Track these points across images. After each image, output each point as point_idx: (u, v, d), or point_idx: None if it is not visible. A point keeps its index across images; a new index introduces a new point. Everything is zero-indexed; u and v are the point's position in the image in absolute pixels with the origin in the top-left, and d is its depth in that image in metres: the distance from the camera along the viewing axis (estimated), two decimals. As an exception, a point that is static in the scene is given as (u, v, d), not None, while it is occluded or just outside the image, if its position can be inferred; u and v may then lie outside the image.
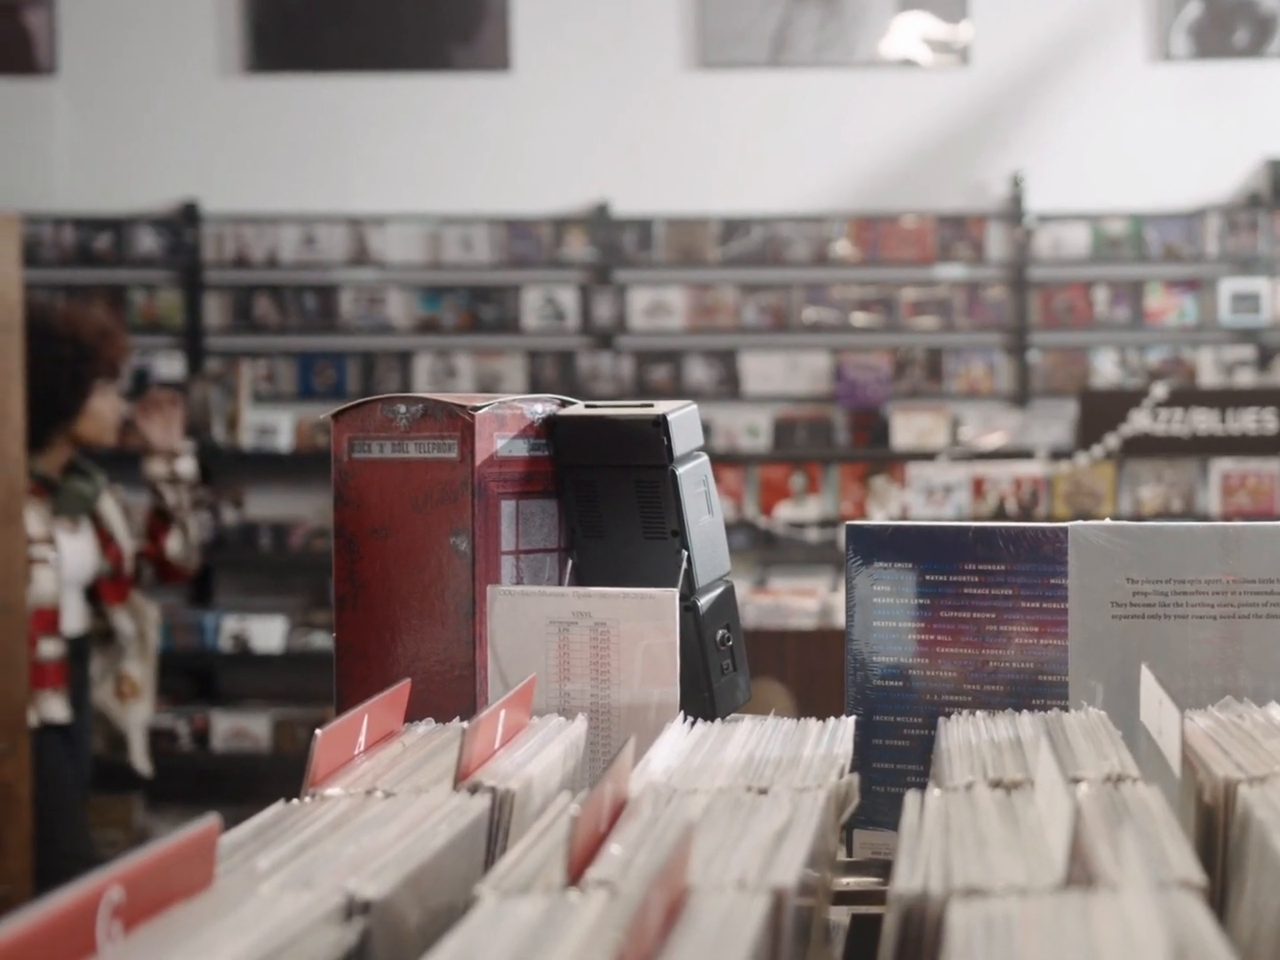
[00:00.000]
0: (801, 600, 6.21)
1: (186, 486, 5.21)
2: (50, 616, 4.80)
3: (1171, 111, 8.15)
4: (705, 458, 1.99)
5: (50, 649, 4.79)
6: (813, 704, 5.81)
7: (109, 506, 5.07)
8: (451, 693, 1.90)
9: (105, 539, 5.01)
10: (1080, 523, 1.82)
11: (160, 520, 5.18)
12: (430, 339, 8.26)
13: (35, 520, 4.82)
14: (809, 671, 5.85)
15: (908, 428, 8.06)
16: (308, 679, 7.49)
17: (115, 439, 5.26)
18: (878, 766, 1.88)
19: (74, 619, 4.95)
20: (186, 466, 5.22)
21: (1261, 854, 1.18)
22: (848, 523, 1.89)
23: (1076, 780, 1.35)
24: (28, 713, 4.71)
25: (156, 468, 5.18)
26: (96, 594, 5.03)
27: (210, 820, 1.06)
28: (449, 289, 8.25)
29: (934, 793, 1.33)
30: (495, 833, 1.38)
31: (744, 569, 7.50)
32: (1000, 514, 6.63)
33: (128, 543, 5.10)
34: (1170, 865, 1.10)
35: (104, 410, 5.02)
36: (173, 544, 5.18)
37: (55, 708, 4.79)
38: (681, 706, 1.77)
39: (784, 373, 8.19)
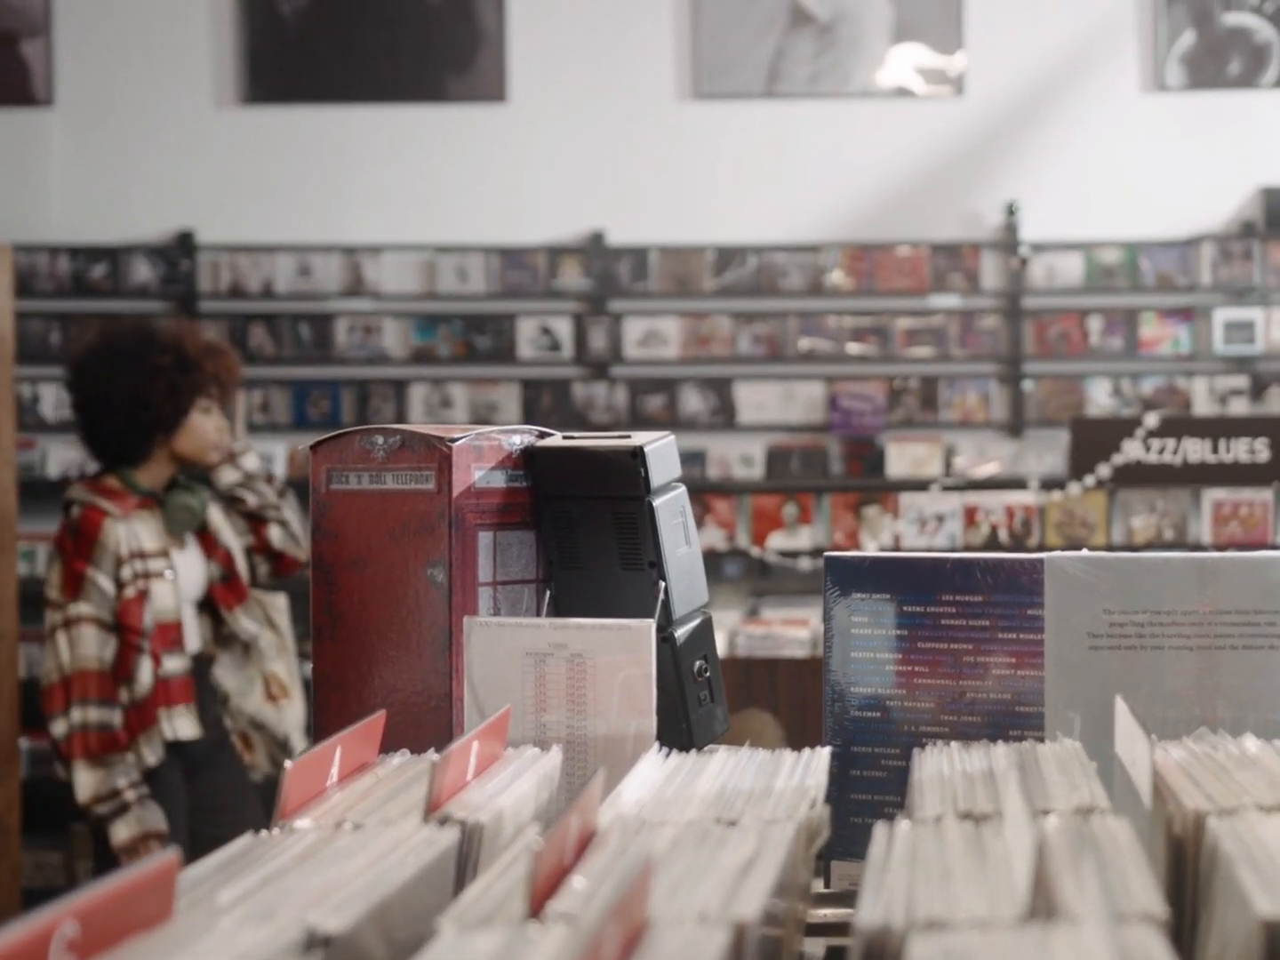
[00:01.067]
0: (793, 630, 6.20)
1: (261, 480, 5.03)
2: (173, 631, 4.64)
3: (1166, 141, 8.16)
4: (683, 489, 1.99)
5: (174, 665, 4.62)
6: (804, 734, 5.81)
7: (213, 513, 4.88)
8: (428, 724, 1.90)
9: (210, 544, 4.83)
10: (1057, 554, 1.82)
11: (255, 520, 4.99)
12: (425, 369, 8.26)
13: (148, 535, 4.63)
14: (801, 701, 5.85)
15: (902, 457, 8.06)
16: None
17: (217, 459, 4.92)
18: (855, 797, 1.88)
19: (191, 638, 4.75)
20: (251, 462, 5.04)
21: (1228, 887, 1.18)
22: (826, 554, 1.89)
23: (1046, 812, 1.35)
24: (161, 727, 4.58)
25: (227, 475, 4.97)
26: (213, 604, 4.82)
27: (170, 853, 1.06)
28: (444, 319, 8.25)
29: (903, 824, 1.33)
30: (465, 865, 1.38)
31: (736, 599, 7.50)
32: (993, 543, 6.63)
33: (234, 542, 4.92)
34: (1132, 897, 1.10)
35: (205, 428, 4.77)
36: (274, 535, 4.99)
37: (185, 725, 4.62)
38: (659, 737, 1.77)
39: (778, 402, 8.19)
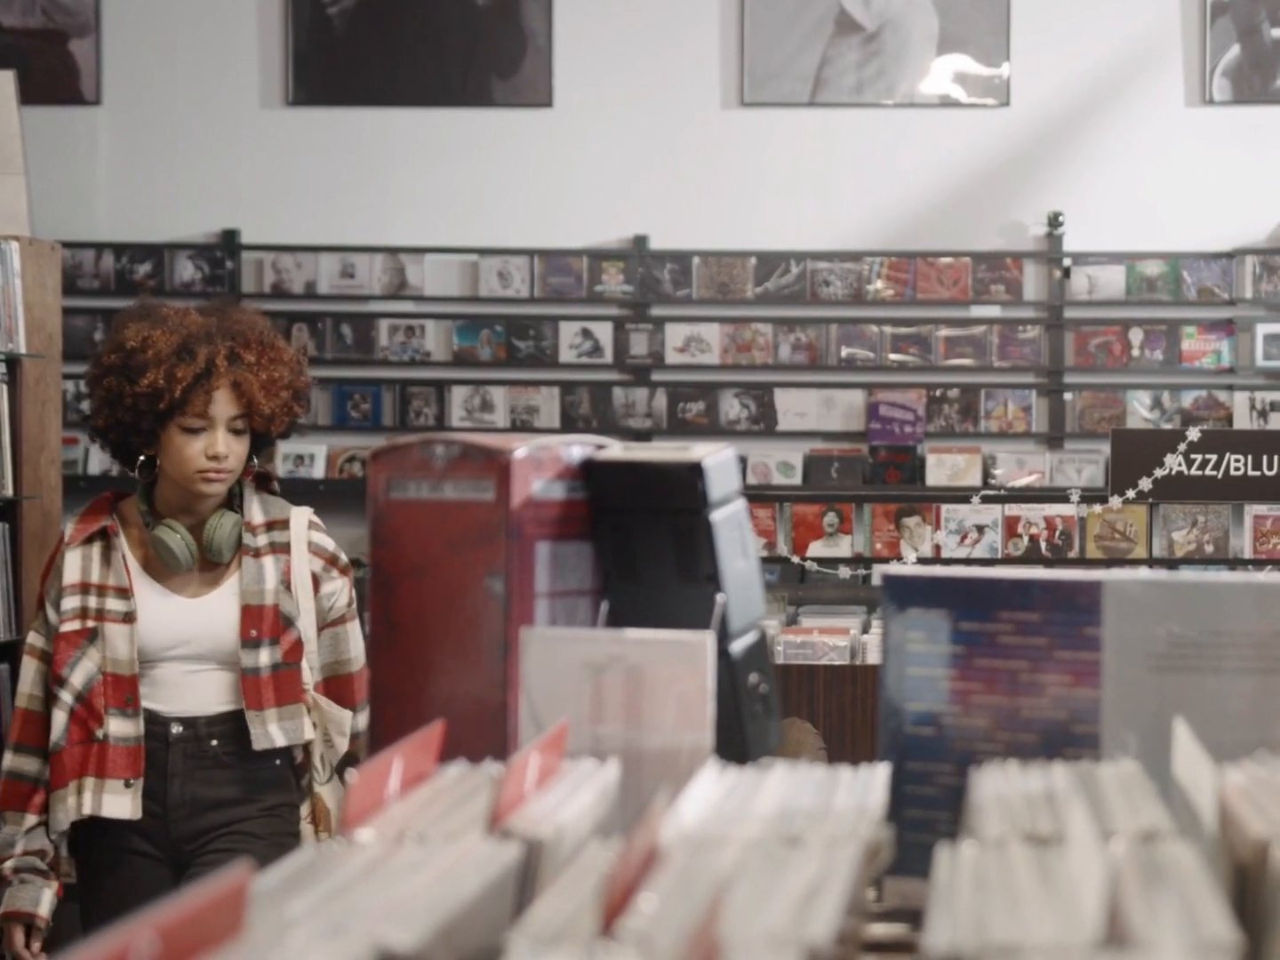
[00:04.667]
0: (833, 639, 6.19)
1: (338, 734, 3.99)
2: (126, 686, 3.77)
3: (1209, 154, 8.14)
4: (743, 502, 1.99)
5: (121, 728, 3.73)
6: (842, 742, 5.82)
7: (298, 568, 3.92)
8: (484, 735, 1.90)
9: (265, 618, 3.85)
10: (1116, 574, 1.81)
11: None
12: (466, 371, 8.28)
13: (117, 565, 3.82)
14: (839, 710, 5.84)
15: (941, 467, 8.05)
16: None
17: (206, 491, 3.82)
18: (909, 814, 1.87)
19: (173, 698, 3.80)
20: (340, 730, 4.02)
21: (1294, 915, 1.17)
22: (883, 572, 1.89)
23: (1110, 835, 1.35)
24: (77, 800, 3.71)
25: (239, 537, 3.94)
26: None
27: (242, 869, 1.06)
28: (486, 321, 8.27)
29: (966, 846, 1.33)
30: (526, 879, 1.38)
31: (775, 606, 7.49)
32: (1033, 555, 6.61)
33: (310, 619, 3.92)
34: (1205, 925, 1.10)
35: (187, 450, 3.73)
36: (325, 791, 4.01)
37: (116, 804, 3.71)
38: (714, 751, 1.77)
39: (818, 410, 8.19)
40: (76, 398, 7.91)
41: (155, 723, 3.78)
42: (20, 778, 3.79)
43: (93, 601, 3.79)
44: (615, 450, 2.01)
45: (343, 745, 3.90)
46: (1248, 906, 1.30)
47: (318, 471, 8.12)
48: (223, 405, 3.76)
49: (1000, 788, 1.54)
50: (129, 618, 3.77)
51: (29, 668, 3.84)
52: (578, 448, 2.00)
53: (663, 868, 1.27)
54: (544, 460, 1.95)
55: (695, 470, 1.92)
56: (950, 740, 1.87)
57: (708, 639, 1.79)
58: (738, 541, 1.97)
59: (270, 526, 3.89)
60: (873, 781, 1.61)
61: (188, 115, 8.32)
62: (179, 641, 3.80)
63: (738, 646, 1.97)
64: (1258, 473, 6.37)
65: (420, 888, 1.22)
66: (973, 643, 1.85)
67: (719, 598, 1.94)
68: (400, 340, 8.26)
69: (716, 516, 1.95)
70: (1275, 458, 6.36)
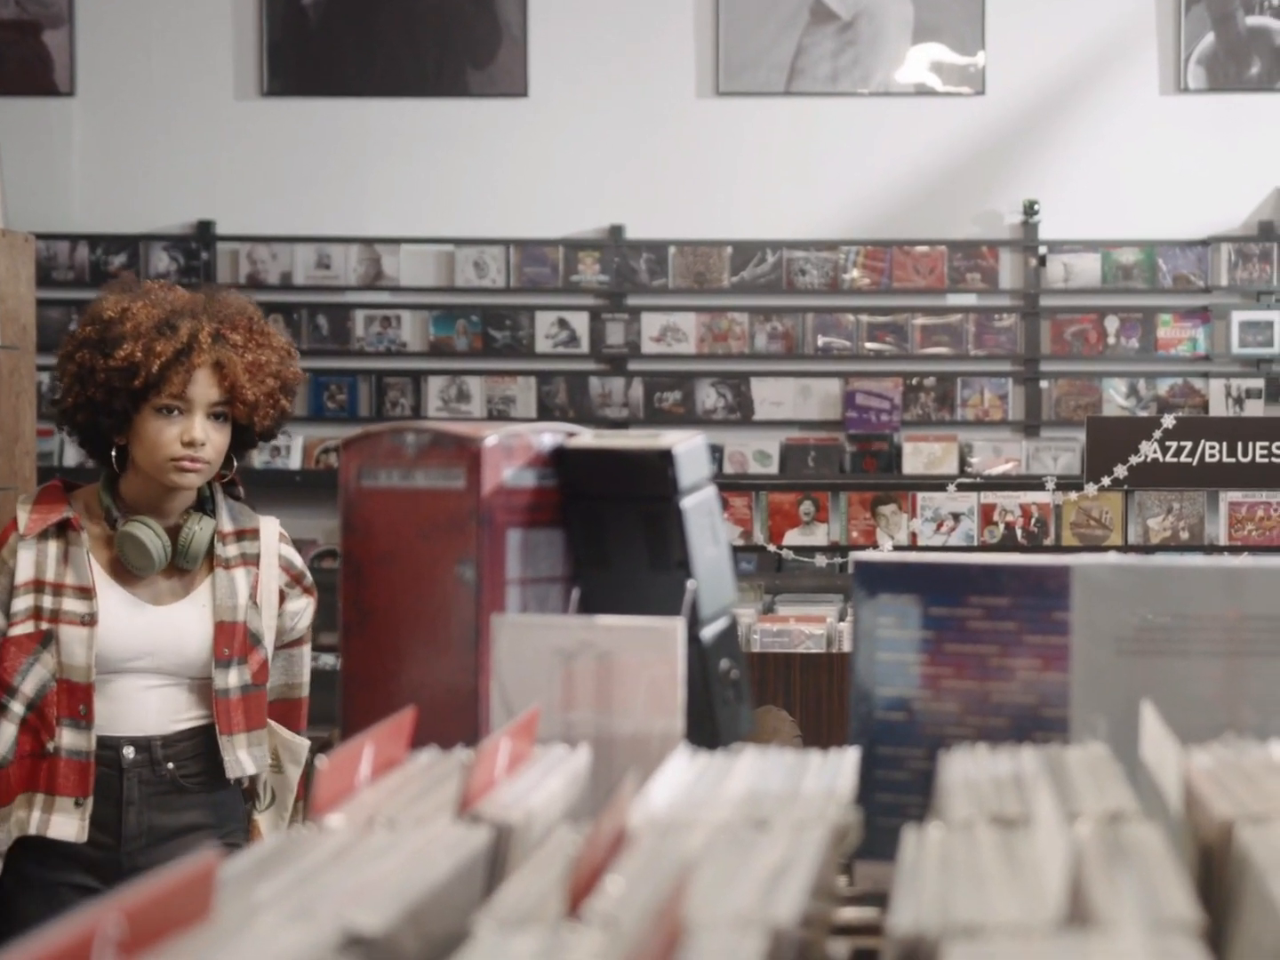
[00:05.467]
0: (809, 626, 6.20)
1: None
2: (80, 695, 3.40)
3: (1184, 142, 8.16)
4: (713, 489, 1.99)
5: (73, 740, 3.37)
6: (819, 730, 5.82)
7: (266, 580, 3.63)
8: (455, 721, 1.90)
9: (235, 635, 3.53)
10: (1085, 559, 1.82)
11: None
12: (443, 361, 8.28)
13: (76, 564, 3.45)
14: (815, 697, 5.85)
15: (918, 455, 8.06)
16: (314, 699, 7.46)
17: (180, 483, 3.49)
18: (880, 799, 1.88)
19: (133, 713, 3.44)
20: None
21: (1257, 895, 1.18)
22: (855, 556, 1.90)
23: (1076, 817, 1.36)
24: (18, 815, 3.38)
25: (207, 534, 3.64)
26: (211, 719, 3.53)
27: (211, 853, 1.06)
28: (462, 312, 8.27)
29: (932, 828, 1.33)
30: (496, 864, 1.38)
31: (751, 595, 7.50)
32: (1009, 543, 6.62)
33: (269, 635, 3.62)
34: (1168, 905, 1.10)
35: (161, 435, 3.36)
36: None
37: (63, 824, 3.37)
38: (685, 737, 1.77)
39: (795, 399, 8.19)
40: (52, 390, 7.89)
41: (105, 746, 3.39)
42: None
43: (48, 601, 3.38)
44: (586, 438, 2.02)
45: (294, 774, 3.62)
46: (1213, 887, 1.30)
47: (294, 463, 8.12)
48: (203, 387, 3.37)
49: (968, 771, 1.55)
50: (88, 620, 3.37)
51: None
52: (549, 435, 2.00)
53: (630, 851, 1.28)
54: (515, 448, 1.95)
55: (666, 457, 1.92)
56: (921, 725, 1.88)
57: (678, 625, 1.80)
58: (708, 528, 1.98)
59: (240, 536, 3.54)
60: (842, 766, 1.62)
61: (162, 106, 8.30)
62: (141, 653, 3.41)
63: (709, 632, 1.98)
64: (1232, 459, 6.40)
65: (389, 872, 1.22)
66: (943, 628, 1.86)
67: (690, 584, 1.95)
68: (376, 331, 8.26)
69: (687, 503, 1.95)
70: (1250, 444, 6.38)
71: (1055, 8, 8.20)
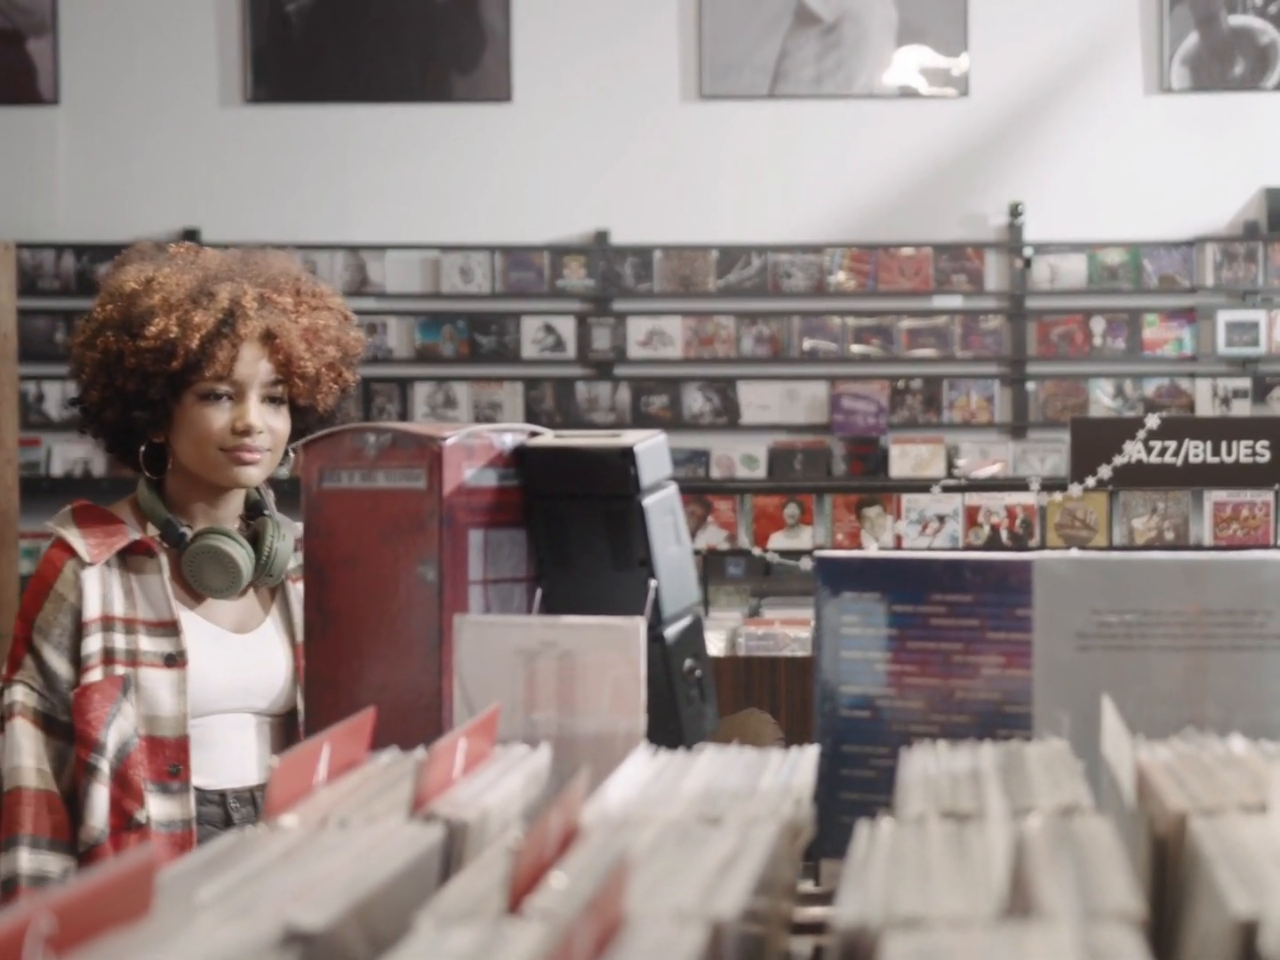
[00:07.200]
0: (794, 630, 6.20)
1: None
2: (170, 752, 2.74)
3: (1169, 143, 8.16)
4: (674, 488, 2.00)
5: (164, 809, 2.73)
6: (804, 734, 5.79)
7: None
8: (419, 722, 1.90)
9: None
10: (1045, 554, 1.82)
11: None
12: (429, 368, 8.27)
13: (148, 594, 2.81)
14: (801, 701, 5.84)
15: (904, 458, 8.06)
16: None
17: (240, 482, 2.95)
18: (845, 796, 1.88)
19: (233, 765, 2.83)
20: None
21: (1206, 886, 1.18)
22: (818, 554, 1.90)
23: (1028, 811, 1.36)
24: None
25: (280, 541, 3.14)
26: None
27: (149, 849, 1.06)
28: (448, 318, 8.26)
29: (884, 823, 1.33)
30: (450, 862, 1.38)
31: (738, 598, 7.50)
32: (994, 544, 6.62)
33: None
34: (1110, 895, 1.10)
35: (208, 424, 2.81)
36: None
37: None
38: (649, 736, 1.77)
39: (781, 402, 8.19)
40: (37, 399, 7.89)
41: (207, 803, 2.78)
42: (45, 884, 2.66)
43: (119, 640, 2.75)
44: (547, 437, 2.02)
45: None
46: (1166, 880, 1.30)
47: (282, 470, 8.11)
48: (253, 364, 2.78)
49: (928, 767, 1.55)
50: (176, 660, 2.75)
51: (24, 735, 2.72)
52: (510, 435, 2.00)
53: (579, 847, 1.28)
54: (475, 448, 1.95)
55: (626, 455, 1.92)
56: (885, 723, 1.88)
57: (640, 624, 1.80)
58: (670, 527, 1.98)
59: (297, 544, 2.78)
60: (801, 763, 1.62)
61: (147, 114, 8.30)
62: (235, 690, 2.81)
63: (672, 631, 1.98)
64: (1217, 459, 6.40)
65: (335, 869, 1.22)
66: (906, 625, 1.86)
67: (652, 583, 1.95)
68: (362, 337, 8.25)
69: (648, 502, 1.95)
70: (1234, 444, 6.38)
71: (1038, 9, 8.21)
